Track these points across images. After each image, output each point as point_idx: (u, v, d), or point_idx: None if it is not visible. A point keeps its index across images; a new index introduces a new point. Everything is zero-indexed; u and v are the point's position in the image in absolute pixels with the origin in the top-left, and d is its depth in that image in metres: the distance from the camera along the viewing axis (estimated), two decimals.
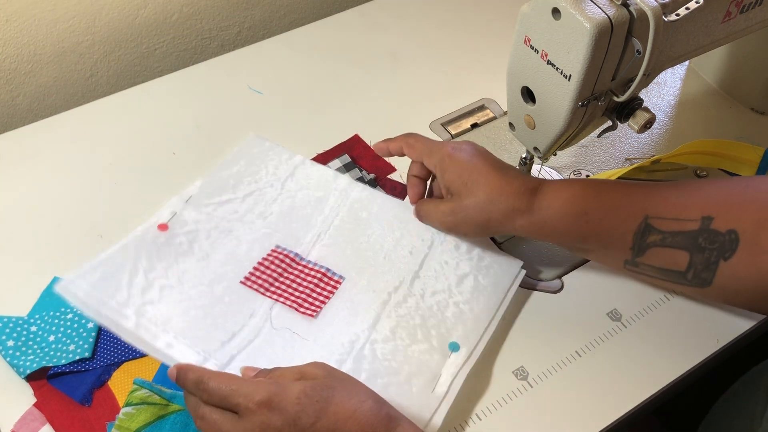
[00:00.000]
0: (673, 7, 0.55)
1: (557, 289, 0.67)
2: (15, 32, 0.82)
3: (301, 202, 0.70)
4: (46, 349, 0.59)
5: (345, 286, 0.64)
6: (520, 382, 0.61)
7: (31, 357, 0.58)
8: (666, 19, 0.54)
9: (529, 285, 0.67)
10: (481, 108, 0.83)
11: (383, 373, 0.58)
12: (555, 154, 0.72)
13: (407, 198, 0.69)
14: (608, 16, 0.54)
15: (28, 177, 0.74)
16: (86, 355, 0.59)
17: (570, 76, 0.57)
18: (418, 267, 0.65)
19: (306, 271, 0.65)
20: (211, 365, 0.57)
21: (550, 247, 0.69)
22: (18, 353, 0.59)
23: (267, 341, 0.60)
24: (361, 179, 0.73)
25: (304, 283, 0.64)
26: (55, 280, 0.65)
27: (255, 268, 0.65)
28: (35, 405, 0.57)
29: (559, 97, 0.59)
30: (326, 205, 0.70)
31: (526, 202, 0.59)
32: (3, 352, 0.59)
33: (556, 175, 0.76)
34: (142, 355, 0.60)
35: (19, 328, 0.60)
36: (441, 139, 0.79)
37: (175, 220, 0.67)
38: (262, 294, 0.63)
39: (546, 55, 0.58)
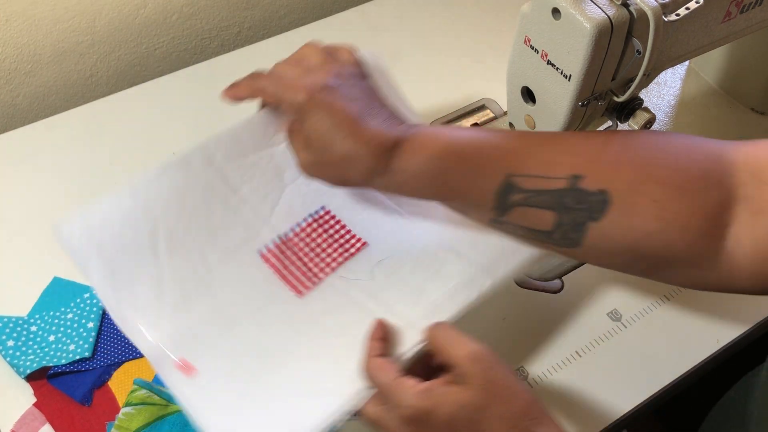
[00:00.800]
0: (673, 7, 0.55)
1: (557, 289, 0.67)
2: (15, 32, 0.82)
3: None
4: (46, 349, 0.59)
5: (333, 206, 0.62)
6: None
7: (31, 357, 0.58)
8: (666, 19, 0.54)
9: (529, 285, 0.67)
10: (481, 108, 0.83)
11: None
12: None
13: None
14: (608, 16, 0.54)
15: (28, 177, 0.74)
16: (86, 355, 0.59)
17: (570, 76, 0.57)
18: None
19: (303, 234, 0.61)
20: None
21: None
22: (18, 353, 0.59)
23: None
24: None
25: (320, 239, 0.61)
26: (55, 280, 0.65)
27: (283, 279, 0.59)
28: (35, 405, 0.57)
29: (559, 97, 0.59)
30: None
31: (384, 163, 0.53)
32: (3, 352, 0.59)
33: None
34: (142, 355, 0.60)
35: (19, 328, 0.60)
36: None
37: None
38: (321, 282, 0.59)
39: (546, 55, 0.58)
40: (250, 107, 0.79)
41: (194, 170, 0.59)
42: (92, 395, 0.58)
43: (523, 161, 0.53)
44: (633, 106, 0.62)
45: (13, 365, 0.58)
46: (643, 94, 0.82)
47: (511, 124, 0.68)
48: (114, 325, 0.62)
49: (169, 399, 0.56)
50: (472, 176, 0.54)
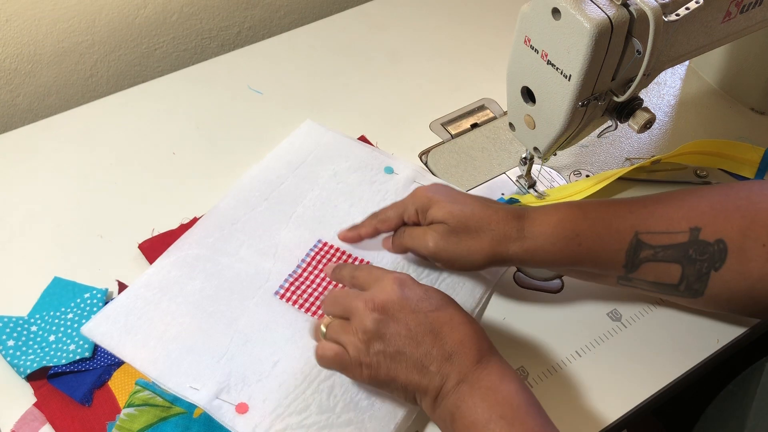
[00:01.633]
0: (673, 7, 0.55)
1: (557, 289, 0.67)
2: (15, 32, 0.82)
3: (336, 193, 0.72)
4: (47, 349, 0.59)
5: (327, 237, 0.68)
6: None
7: (32, 357, 0.58)
8: (666, 19, 0.54)
9: (529, 285, 0.67)
10: (481, 108, 0.83)
11: None
12: (555, 154, 0.72)
13: None
14: (608, 16, 0.54)
15: (28, 177, 0.74)
16: (86, 354, 0.59)
17: (570, 76, 0.57)
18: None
19: (311, 268, 0.66)
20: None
21: None
22: (18, 353, 0.59)
23: None
24: None
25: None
26: (55, 280, 0.65)
27: (304, 309, 0.63)
28: (35, 405, 0.57)
29: (559, 97, 0.59)
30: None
31: (517, 229, 0.58)
32: (3, 352, 0.59)
33: (556, 175, 0.76)
34: None
35: (19, 328, 0.60)
36: (440, 139, 0.79)
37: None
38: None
39: (546, 55, 0.58)
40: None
41: (192, 254, 0.66)
42: (92, 395, 0.58)
43: (647, 218, 0.58)
44: (633, 106, 0.62)
45: (13, 365, 0.58)
46: (643, 94, 0.82)
47: (511, 124, 0.68)
48: None
49: (172, 401, 0.56)
50: (604, 237, 0.58)
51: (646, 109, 0.62)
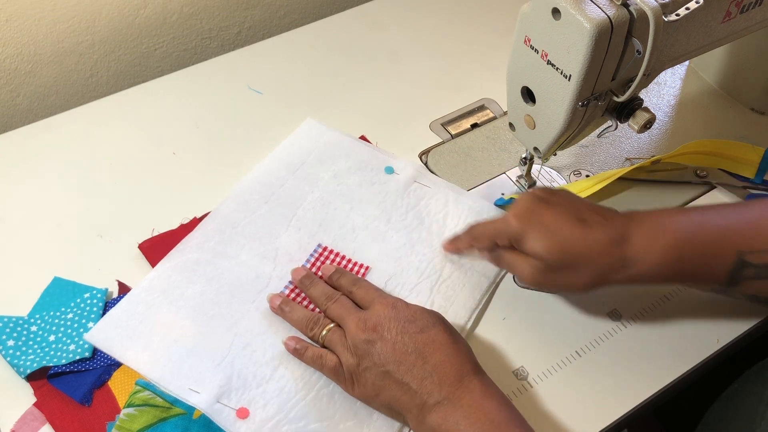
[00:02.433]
0: (673, 7, 0.55)
1: None
2: (15, 32, 0.82)
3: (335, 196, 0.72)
4: (47, 349, 0.59)
5: (327, 240, 0.68)
6: (520, 382, 0.60)
7: (32, 357, 0.58)
8: (666, 19, 0.54)
9: (529, 285, 0.67)
10: (481, 108, 0.83)
11: None
12: (555, 154, 0.72)
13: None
14: (608, 16, 0.54)
15: (28, 177, 0.74)
16: (86, 355, 0.59)
17: (570, 76, 0.57)
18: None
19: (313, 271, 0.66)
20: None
21: None
22: (18, 353, 0.59)
23: None
24: None
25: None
26: (55, 280, 0.65)
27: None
28: (35, 404, 0.57)
29: (559, 97, 0.59)
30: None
31: (619, 258, 0.56)
32: (3, 352, 0.59)
33: (556, 175, 0.76)
34: None
35: (19, 328, 0.60)
36: (440, 139, 0.79)
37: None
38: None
39: (546, 55, 0.58)
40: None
41: (193, 258, 0.66)
42: (92, 395, 0.58)
43: (752, 238, 0.57)
44: (633, 106, 0.62)
45: (13, 365, 0.58)
46: (643, 94, 0.82)
47: (511, 124, 0.68)
48: None
49: (172, 401, 0.56)
50: (707, 260, 0.57)
51: (646, 109, 0.62)
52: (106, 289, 0.64)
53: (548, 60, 0.58)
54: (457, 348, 0.55)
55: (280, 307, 0.62)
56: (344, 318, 0.58)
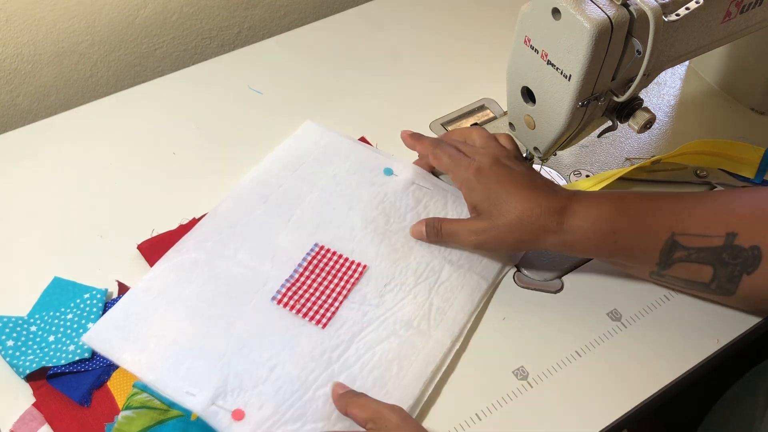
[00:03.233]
0: (673, 7, 0.55)
1: (557, 289, 0.67)
2: (15, 32, 0.82)
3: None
4: (46, 349, 0.59)
5: (325, 239, 0.68)
6: (520, 382, 0.60)
7: (31, 357, 0.58)
8: (666, 19, 0.54)
9: (529, 285, 0.67)
10: (481, 108, 0.83)
11: None
12: (555, 154, 0.72)
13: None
14: (608, 16, 0.54)
15: (28, 177, 0.74)
16: (86, 355, 0.59)
17: (570, 76, 0.57)
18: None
19: (307, 274, 0.66)
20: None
21: None
22: (17, 353, 0.59)
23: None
24: None
25: (323, 273, 0.66)
26: (55, 280, 0.65)
27: (304, 316, 0.63)
28: (34, 405, 0.57)
29: (559, 97, 0.59)
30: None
31: (556, 223, 0.60)
32: (3, 352, 0.59)
33: (555, 175, 0.76)
34: None
35: (18, 328, 0.60)
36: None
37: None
38: (338, 310, 0.63)
39: (546, 55, 0.58)
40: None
41: (190, 258, 0.66)
42: (91, 396, 0.58)
43: (684, 220, 0.59)
44: (633, 106, 0.62)
45: (12, 365, 0.58)
46: (643, 94, 0.82)
47: (511, 124, 0.68)
48: None
49: (169, 404, 0.56)
50: (640, 236, 0.60)
51: (646, 109, 0.62)
52: (106, 290, 0.64)
53: (548, 60, 0.58)
54: None
55: None
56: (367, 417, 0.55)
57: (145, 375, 0.58)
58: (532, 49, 0.59)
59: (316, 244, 0.67)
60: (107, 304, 0.63)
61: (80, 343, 0.59)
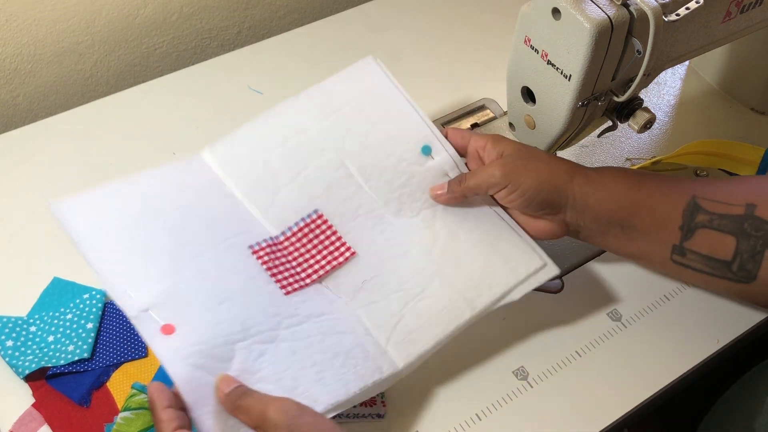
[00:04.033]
0: (673, 7, 0.55)
1: (557, 289, 0.67)
2: (15, 32, 0.82)
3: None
4: (45, 350, 0.59)
5: (327, 211, 0.62)
6: (520, 382, 0.60)
7: (30, 357, 0.58)
8: (666, 19, 0.54)
9: None
10: (481, 108, 0.83)
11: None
12: (555, 155, 0.72)
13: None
14: (608, 16, 0.54)
15: (28, 177, 0.74)
16: (85, 355, 0.59)
17: (570, 76, 0.57)
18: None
19: (294, 239, 0.61)
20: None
21: (551, 246, 0.69)
22: (17, 353, 0.59)
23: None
24: None
25: (309, 245, 0.61)
26: (55, 280, 0.65)
27: (273, 275, 0.58)
28: (34, 405, 0.57)
29: (559, 97, 0.59)
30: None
31: (582, 170, 0.59)
32: (2, 352, 0.59)
33: None
34: (141, 357, 0.60)
35: (18, 328, 0.60)
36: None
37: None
38: (307, 286, 0.59)
39: (546, 55, 0.58)
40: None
41: (192, 172, 0.61)
42: (91, 396, 0.58)
43: (705, 187, 0.59)
44: (633, 106, 0.62)
45: (12, 365, 0.58)
46: (643, 94, 0.82)
47: (511, 124, 0.68)
48: (113, 326, 0.62)
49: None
50: (664, 191, 0.59)
51: (646, 109, 0.62)
52: (106, 290, 0.64)
53: (548, 60, 0.58)
54: None
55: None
56: None
57: (94, 261, 0.54)
58: (532, 49, 0.59)
59: (315, 211, 0.61)
60: (107, 305, 0.63)
61: (80, 343, 0.59)
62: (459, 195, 0.61)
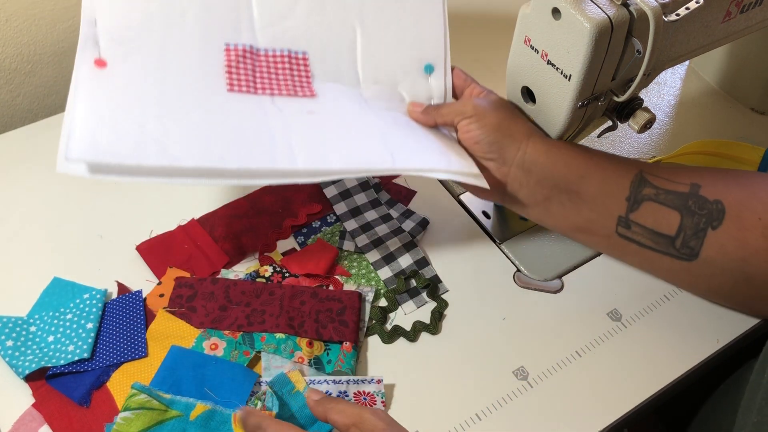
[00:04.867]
0: (673, 7, 0.55)
1: (557, 289, 0.67)
2: (15, 32, 0.82)
3: None
4: (45, 350, 0.59)
5: (314, 59, 0.63)
6: (520, 382, 0.60)
7: (30, 357, 0.58)
8: (666, 19, 0.54)
9: (529, 285, 0.67)
10: None
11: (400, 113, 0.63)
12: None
13: None
14: (608, 16, 0.54)
15: (28, 177, 0.74)
16: (85, 355, 0.59)
17: (570, 76, 0.57)
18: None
19: (271, 60, 0.62)
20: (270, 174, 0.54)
21: (551, 246, 0.69)
22: (17, 353, 0.59)
23: (303, 131, 0.58)
24: (366, 183, 0.73)
25: (280, 72, 0.62)
26: (55, 280, 0.65)
27: (228, 72, 0.59)
28: (34, 405, 0.57)
29: (559, 97, 0.59)
30: None
31: (542, 134, 0.62)
32: (2, 352, 0.59)
33: None
34: (141, 357, 0.60)
35: (18, 329, 0.60)
36: None
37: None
38: (255, 94, 0.59)
39: (546, 55, 0.58)
40: None
41: None
42: (91, 396, 0.58)
43: (653, 166, 0.61)
44: (633, 106, 0.62)
45: (11, 365, 0.58)
46: (643, 94, 0.82)
47: None
48: (113, 326, 0.62)
49: (168, 404, 0.56)
50: (613, 162, 0.61)
51: (646, 109, 0.62)
52: (106, 290, 0.64)
53: (548, 60, 0.58)
54: None
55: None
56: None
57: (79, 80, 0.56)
58: (532, 49, 0.59)
59: (304, 53, 0.63)
60: (107, 305, 0.63)
61: (80, 343, 0.59)
62: (431, 120, 0.65)
